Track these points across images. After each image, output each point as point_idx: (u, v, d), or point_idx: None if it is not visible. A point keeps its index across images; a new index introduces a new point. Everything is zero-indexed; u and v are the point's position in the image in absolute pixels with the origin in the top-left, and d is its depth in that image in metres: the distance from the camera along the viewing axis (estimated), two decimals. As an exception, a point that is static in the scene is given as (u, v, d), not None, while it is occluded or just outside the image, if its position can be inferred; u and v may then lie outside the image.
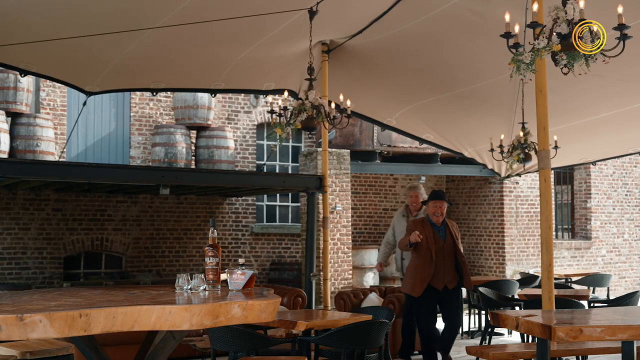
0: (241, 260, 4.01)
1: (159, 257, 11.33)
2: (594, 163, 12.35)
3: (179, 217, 11.48)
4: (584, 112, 8.90)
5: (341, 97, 6.79)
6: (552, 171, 12.90)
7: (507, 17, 4.06)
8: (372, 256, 12.22)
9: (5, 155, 9.39)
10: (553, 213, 5.94)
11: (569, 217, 14.83)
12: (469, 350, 5.83)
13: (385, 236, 8.62)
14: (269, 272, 12.06)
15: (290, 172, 12.72)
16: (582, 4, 3.88)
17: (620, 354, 4.03)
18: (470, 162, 11.70)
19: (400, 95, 9.14)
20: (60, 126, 10.84)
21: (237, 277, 3.88)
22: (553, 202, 13.25)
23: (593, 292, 10.68)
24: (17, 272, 10.25)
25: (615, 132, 9.74)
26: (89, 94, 8.42)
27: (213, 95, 9.72)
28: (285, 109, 6.59)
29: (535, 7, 3.99)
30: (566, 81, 5.96)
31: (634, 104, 8.41)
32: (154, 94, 9.09)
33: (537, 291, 8.23)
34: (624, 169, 15.12)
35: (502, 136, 8.94)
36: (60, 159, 10.32)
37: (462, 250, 7.15)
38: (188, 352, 7.14)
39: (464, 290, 7.98)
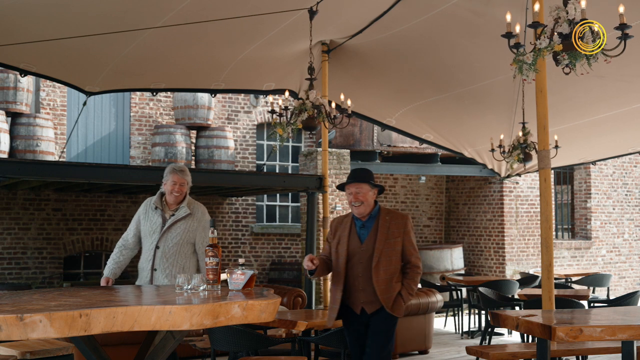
0: (241, 260, 4.00)
1: (159, 257, 11.32)
2: (594, 163, 12.36)
3: (179, 217, 11.47)
4: (584, 113, 8.91)
5: (342, 97, 6.79)
6: (552, 171, 12.91)
7: (509, 17, 4.06)
8: (372, 256, 12.21)
9: (5, 155, 9.39)
10: (553, 213, 5.94)
11: (569, 217, 14.83)
12: (469, 350, 5.83)
13: (126, 233, 5.52)
14: (269, 272, 12.06)
15: (290, 172, 12.72)
16: (583, 4, 3.88)
17: (620, 354, 4.03)
18: (470, 162, 11.71)
19: (400, 95, 9.14)
20: (60, 126, 10.84)
21: (237, 277, 3.88)
22: (553, 202, 13.27)
23: (593, 292, 10.67)
24: (17, 272, 10.25)
25: (615, 132, 9.75)
26: (89, 94, 8.42)
27: (213, 95, 9.73)
28: (286, 108, 6.59)
29: (536, 7, 4.00)
30: (566, 81, 5.97)
31: (634, 104, 8.42)
32: (154, 94, 9.09)
33: (537, 291, 8.23)
34: (624, 169, 15.12)
35: (502, 136, 8.95)
36: (60, 159, 10.32)
37: (411, 256, 4.79)
38: (188, 352, 7.14)
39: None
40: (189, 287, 3.80)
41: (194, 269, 5.34)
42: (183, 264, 5.25)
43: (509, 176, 12.38)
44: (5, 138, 9.49)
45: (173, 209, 5.34)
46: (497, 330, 9.23)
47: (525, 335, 7.11)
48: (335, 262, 4.83)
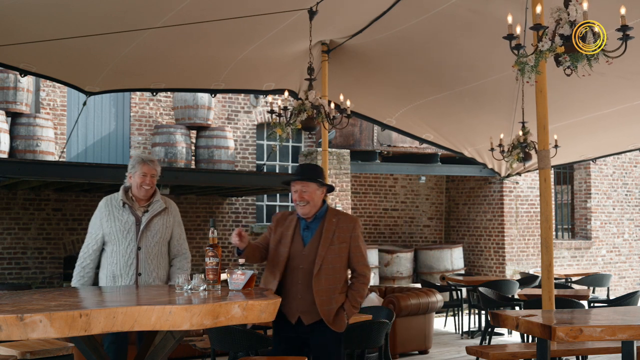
0: (241, 261, 4.00)
1: (159, 257, 11.32)
2: (594, 160, 12.36)
3: (179, 217, 11.47)
4: (584, 109, 8.91)
5: (341, 97, 6.79)
6: (552, 171, 12.91)
7: (510, 19, 4.06)
8: (372, 256, 12.22)
9: (5, 155, 9.39)
10: (553, 213, 5.94)
11: (569, 217, 14.83)
12: (469, 350, 5.84)
13: (85, 246, 4.84)
14: (269, 272, 12.06)
15: (290, 172, 12.72)
16: (585, 6, 3.88)
17: (620, 354, 4.03)
18: (470, 162, 11.71)
19: (400, 94, 9.14)
20: (60, 126, 10.84)
21: (237, 277, 3.88)
22: (553, 202, 13.27)
23: (593, 292, 10.68)
24: (17, 272, 10.25)
25: (615, 129, 9.75)
26: (89, 94, 8.42)
27: (213, 95, 9.73)
28: (285, 109, 6.59)
29: (538, 9, 4.00)
30: (565, 78, 5.96)
31: (634, 100, 8.42)
32: (154, 94, 9.09)
33: (537, 291, 8.23)
34: (624, 169, 15.13)
35: (502, 135, 8.95)
36: (60, 159, 10.32)
37: (357, 264, 4.36)
38: (188, 352, 7.14)
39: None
40: (189, 287, 3.80)
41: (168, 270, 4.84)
42: (165, 264, 4.79)
43: (509, 176, 12.38)
44: (5, 138, 9.49)
45: (144, 204, 4.75)
46: (497, 330, 9.23)
47: (525, 335, 7.11)
48: (273, 262, 4.33)
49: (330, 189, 4.47)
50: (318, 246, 4.26)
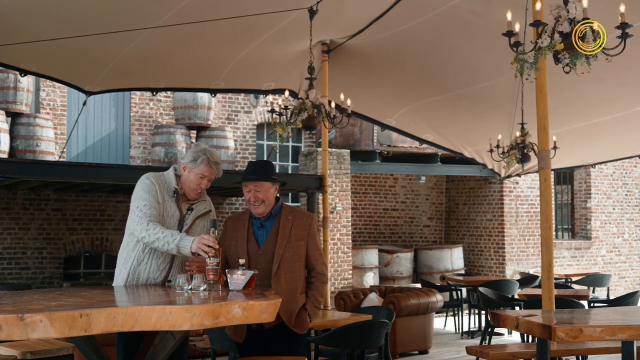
0: (242, 261, 3.99)
1: (159, 257, 11.31)
2: (593, 165, 12.37)
3: (179, 217, 11.47)
4: (583, 116, 8.91)
5: (342, 97, 6.79)
6: (552, 171, 12.92)
7: (509, 16, 4.06)
8: (372, 256, 12.22)
9: (5, 155, 9.40)
10: (553, 213, 5.93)
11: (569, 217, 14.83)
12: (469, 350, 5.84)
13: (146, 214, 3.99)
14: (269, 272, 12.06)
15: (290, 172, 12.72)
16: (585, 3, 3.88)
17: (620, 354, 4.03)
18: (470, 162, 11.71)
19: (400, 95, 9.14)
20: (60, 126, 10.84)
21: (238, 278, 3.87)
22: (553, 202, 13.27)
23: (593, 292, 10.68)
24: (17, 272, 10.25)
25: (615, 136, 9.75)
26: (89, 94, 8.42)
27: (213, 95, 9.73)
28: (286, 108, 6.59)
29: (537, 5, 3.99)
30: (565, 84, 5.97)
31: (634, 107, 8.42)
32: (154, 94, 9.09)
33: (537, 291, 8.24)
34: (624, 169, 15.13)
35: (500, 136, 8.95)
36: (60, 159, 10.32)
37: (316, 262, 4.20)
38: (188, 352, 7.13)
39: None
40: (190, 287, 3.80)
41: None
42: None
43: (509, 176, 12.38)
44: (5, 138, 9.49)
45: (193, 199, 4.29)
46: (497, 330, 9.24)
47: (525, 335, 7.11)
48: (231, 266, 4.05)
49: (283, 184, 4.31)
50: (275, 245, 4.10)
